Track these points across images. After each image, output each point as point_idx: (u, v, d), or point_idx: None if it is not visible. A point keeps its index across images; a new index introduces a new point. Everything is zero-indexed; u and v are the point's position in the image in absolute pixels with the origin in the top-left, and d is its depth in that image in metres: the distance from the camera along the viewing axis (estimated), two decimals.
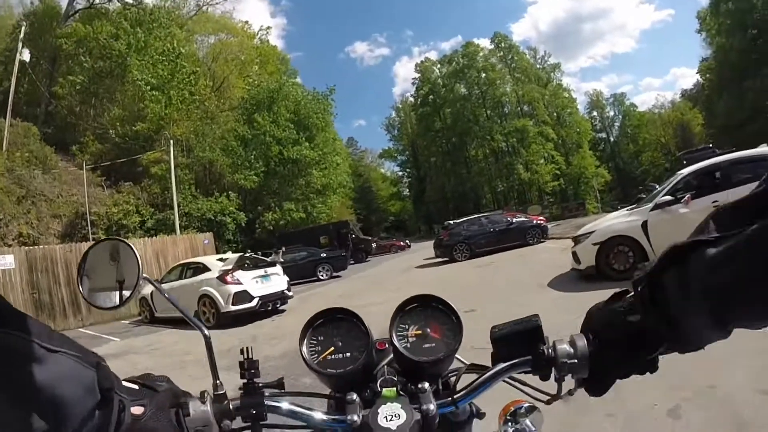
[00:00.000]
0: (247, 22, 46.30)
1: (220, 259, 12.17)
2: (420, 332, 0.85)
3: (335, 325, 0.89)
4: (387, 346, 0.90)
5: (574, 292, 7.89)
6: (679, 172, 8.46)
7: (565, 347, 0.74)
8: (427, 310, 0.88)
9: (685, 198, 7.62)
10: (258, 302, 10.93)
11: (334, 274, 21.38)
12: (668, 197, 7.85)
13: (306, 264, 21.22)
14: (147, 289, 13.31)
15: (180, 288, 11.68)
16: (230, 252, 17.69)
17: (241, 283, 10.90)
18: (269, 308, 11.36)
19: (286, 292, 11.97)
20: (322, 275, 21.00)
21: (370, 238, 37.06)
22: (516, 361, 0.78)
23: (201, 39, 42.75)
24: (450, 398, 0.80)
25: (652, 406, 3.11)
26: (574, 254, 8.88)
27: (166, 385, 0.71)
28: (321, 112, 38.00)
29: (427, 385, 0.77)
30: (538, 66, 63.24)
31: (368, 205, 66.36)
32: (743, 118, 37.36)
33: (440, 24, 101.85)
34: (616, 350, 0.70)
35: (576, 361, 0.72)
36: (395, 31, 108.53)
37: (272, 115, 35.30)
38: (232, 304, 10.59)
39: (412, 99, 69.31)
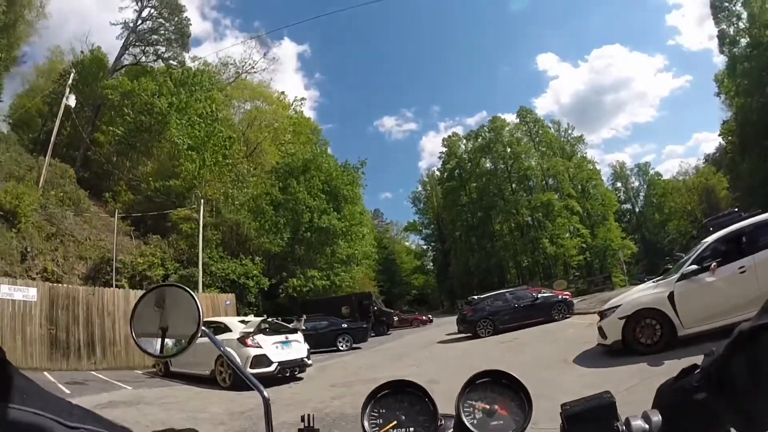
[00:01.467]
0: (283, 92, 48.15)
1: (242, 321, 12.21)
2: (487, 408, 0.82)
3: (399, 398, 0.86)
4: (444, 421, 0.86)
5: (601, 367, 7.74)
6: (704, 241, 8.35)
7: (639, 423, 0.71)
8: (495, 386, 0.84)
9: (712, 266, 7.48)
10: (277, 367, 10.84)
11: (354, 345, 21.04)
12: (694, 266, 7.71)
13: (326, 333, 20.94)
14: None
15: (199, 345, 11.51)
16: (252, 315, 17.65)
17: (261, 347, 10.89)
18: (287, 374, 11.26)
19: (305, 359, 11.85)
20: (342, 346, 20.68)
21: (392, 311, 36.61)
22: None
23: (237, 105, 44.68)
24: None
25: None
26: (600, 329, 8.67)
27: None
28: (351, 184, 38.86)
29: None
30: (562, 138, 63.72)
31: (391, 277, 65.85)
32: (767, 176, 36.69)
33: (465, 100, 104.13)
34: (686, 427, 0.68)
35: None
36: (422, 106, 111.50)
37: (306, 183, 36.16)
38: (251, 367, 10.42)
39: (438, 173, 70.19)
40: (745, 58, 41.33)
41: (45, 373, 13.22)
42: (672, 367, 4.01)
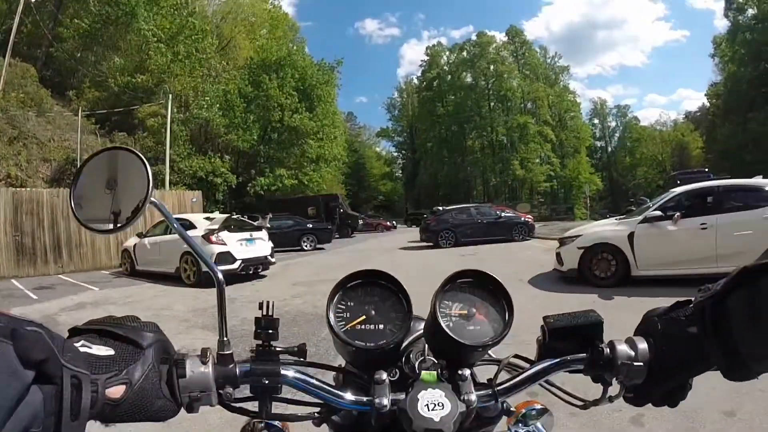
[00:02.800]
0: None
1: (207, 218, 12.07)
2: (465, 312, 0.74)
3: (370, 290, 0.78)
4: (414, 323, 0.79)
5: (554, 292, 7.99)
6: (672, 190, 8.54)
7: (625, 348, 0.68)
8: (475, 288, 0.77)
9: (675, 216, 7.70)
10: (240, 265, 10.91)
11: (318, 245, 21.40)
12: (658, 212, 7.91)
13: (291, 232, 21.18)
14: (131, 241, 13.24)
15: (164, 243, 11.72)
16: (218, 212, 17.61)
17: (225, 244, 10.87)
18: (251, 272, 11.37)
19: (269, 257, 11.95)
20: (306, 245, 21.01)
21: (357, 214, 37.03)
22: (569, 357, 0.71)
23: None
24: (491, 391, 0.71)
25: (617, 410, 3.15)
26: (558, 255, 8.95)
27: (155, 336, 0.60)
28: (326, 83, 37.81)
29: (468, 372, 0.69)
30: (547, 65, 62.86)
31: (360, 181, 66.11)
32: (742, 147, 37.81)
33: (453, 11, 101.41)
34: (673, 359, 0.65)
35: (641, 364, 0.66)
36: (407, 12, 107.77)
37: (279, 80, 34.97)
38: (214, 264, 10.48)
39: (416, 82, 69.28)
40: (747, 28, 41.28)
41: (12, 280, 13.17)
42: (620, 303, 4.24)
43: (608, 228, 8.71)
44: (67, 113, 28.79)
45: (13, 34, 25.79)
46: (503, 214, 20.11)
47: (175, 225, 0.72)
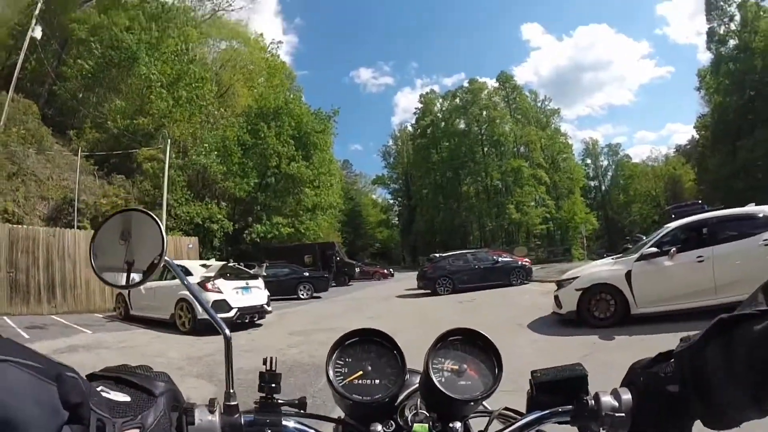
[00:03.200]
0: (261, 34, 46.47)
1: (203, 265, 12.11)
2: (456, 368, 0.80)
3: (367, 347, 0.84)
4: (408, 376, 0.84)
5: (554, 335, 7.90)
6: (667, 226, 8.58)
7: (609, 399, 0.70)
8: (466, 345, 0.83)
9: (671, 251, 7.70)
10: (236, 313, 10.81)
11: (315, 294, 21.20)
12: (654, 249, 7.93)
13: (288, 281, 21.01)
14: None
15: (159, 289, 11.59)
16: (214, 259, 17.47)
17: (221, 292, 10.81)
18: (246, 320, 11.26)
19: (265, 306, 11.87)
20: (302, 294, 20.81)
21: (354, 262, 36.88)
22: (556, 409, 0.74)
23: (212, 43, 42.94)
24: None
25: None
26: (557, 298, 8.89)
27: (166, 385, 0.64)
28: (322, 131, 38.30)
29: (459, 425, 0.73)
30: (538, 109, 63.85)
31: (356, 229, 66.11)
32: (733, 175, 38.32)
33: (445, 60, 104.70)
34: (655, 412, 0.67)
35: (623, 415, 0.69)
36: (400, 61, 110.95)
37: (276, 128, 35.50)
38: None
39: (411, 129, 70.16)
40: (730, 58, 42.40)
41: (5, 317, 13.01)
42: (621, 343, 4.14)
43: (605, 268, 8.70)
44: (67, 153, 29.04)
45: (18, 70, 26.30)
46: (500, 259, 20.08)
47: (186, 282, 0.82)
